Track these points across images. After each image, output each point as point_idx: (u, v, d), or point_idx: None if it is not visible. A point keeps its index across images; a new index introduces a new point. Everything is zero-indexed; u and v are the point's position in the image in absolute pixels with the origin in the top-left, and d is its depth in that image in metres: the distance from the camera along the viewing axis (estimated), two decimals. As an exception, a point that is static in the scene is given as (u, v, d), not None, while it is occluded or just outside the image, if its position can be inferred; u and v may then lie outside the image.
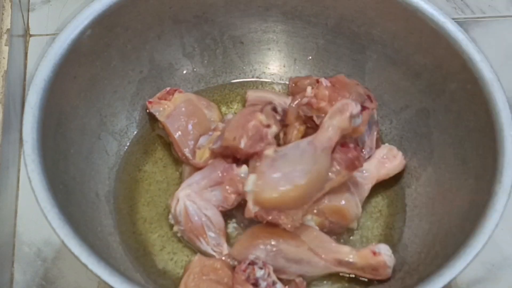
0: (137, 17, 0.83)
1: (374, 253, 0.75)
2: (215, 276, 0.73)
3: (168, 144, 0.85)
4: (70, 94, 0.78)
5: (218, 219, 0.77)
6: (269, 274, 0.72)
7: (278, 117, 0.81)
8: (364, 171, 0.80)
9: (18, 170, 0.85)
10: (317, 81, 0.80)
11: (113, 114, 0.84)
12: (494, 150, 0.73)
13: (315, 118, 0.78)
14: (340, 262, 0.75)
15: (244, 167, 0.77)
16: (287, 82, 0.90)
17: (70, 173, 0.76)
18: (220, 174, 0.78)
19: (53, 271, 0.79)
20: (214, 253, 0.76)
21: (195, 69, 0.90)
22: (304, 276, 0.75)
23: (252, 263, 0.72)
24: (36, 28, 0.98)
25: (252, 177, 0.73)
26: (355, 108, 0.75)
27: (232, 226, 0.79)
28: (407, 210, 0.82)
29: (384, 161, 0.82)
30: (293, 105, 0.81)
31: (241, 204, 0.76)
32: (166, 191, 0.82)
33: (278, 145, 0.81)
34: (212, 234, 0.77)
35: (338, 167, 0.74)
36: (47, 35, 0.97)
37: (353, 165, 0.74)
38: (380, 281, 0.76)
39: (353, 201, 0.78)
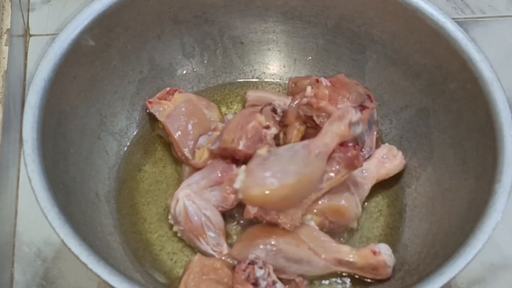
0: (137, 17, 0.83)
1: (374, 253, 0.75)
2: (215, 276, 0.73)
3: (168, 144, 0.85)
4: (70, 94, 0.78)
5: (218, 219, 0.77)
6: (269, 274, 0.72)
7: (277, 118, 0.81)
8: (364, 171, 0.80)
9: (18, 170, 0.85)
10: (317, 81, 0.80)
11: (113, 114, 0.84)
12: (494, 150, 0.73)
13: (315, 118, 0.78)
14: (340, 262, 0.75)
15: (243, 168, 0.77)
16: (287, 82, 0.90)
17: (70, 173, 0.76)
18: (219, 174, 0.78)
19: (53, 271, 0.79)
20: (214, 253, 0.76)
21: (195, 69, 0.90)
22: (304, 275, 0.75)
23: (252, 262, 0.72)
24: (36, 28, 0.98)
25: (241, 175, 0.73)
26: (355, 115, 0.74)
27: (232, 226, 0.79)
28: (407, 210, 0.82)
29: (384, 161, 0.82)
30: (293, 105, 0.81)
31: (241, 204, 0.76)
32: (166, 191, 0.82)
33: (278, 145, 0.81)
34: (212, 234, 0.77)
35: (337, 166, 0.74)
36: (47, 35, 0.97)
37: (353, 164, 0.74)
38: (380, 281, 0.76)
39: (353, 201, 0.78)
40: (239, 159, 0.78)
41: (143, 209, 0.81)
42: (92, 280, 0.78)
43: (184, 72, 0.90)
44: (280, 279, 0.73)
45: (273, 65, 0.91)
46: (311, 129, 0.79)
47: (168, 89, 0.86)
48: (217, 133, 0.82)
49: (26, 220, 0.82)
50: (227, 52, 0.90)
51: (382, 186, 0.83)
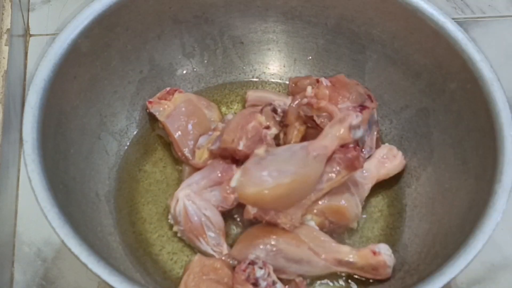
0: (137, 17, 0.83)
1: (374, 253, 0.75)
2: (215, 276, 0.73)
3: (168, 144, 0.85)
4: (70, 94, 0.78)
5: (218, 219, 0.77)
6: (269, 274, 0.72)
7: (277, 118, 0.81)
8: (364, 171, 0.79)
9: (18, 170, 0.85)
10: (317, 81, 0.80)
11: (113, 114, 0.84)
12: (494, 150, 0.73)
13: (315, 118, 0.78)
14: (340, 262, 0.75)
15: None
16: (287, 82, 0.90)
17: (70, 173, 0.76)
18: (219, 174, 0.79)
19: (53, 271, 0.79)
20: (214, 253, 0.76)
21: (195, 69, 0.90)
22: (304, 275, 0.75)
23: (252, 262, 0.72)
24: (36, 28, 0.98)
25: (237, 174, 0.73)
26: (355, 119, 0.74)
27: (232, 226, 0.79)
28: (407, 210, 0.82)
29: (384, 161, 0.82)
30: (293, 105, 0.81)
31: (241, 204, 0.76)
32: (166, 191, 0.82)
33: (278, 145, 0.81)
34: (212, 234, 0.77)
35: (338, 167, 0.74)
36: (47, 35, 0.97)
37: (353, 165, 0.74)
38: (380, 281, 0.76)
39: (353, 201, 0.78)
40: (239, 159, 0.78)
41: (143, 209, 0.81)
42: (92, 280, 0.78)
43: (184, 72, 0.90)
44: (280, 279, 0.73)
45: (273, 65, 0.91)
46: (312, 129, 0.79)
47: (168, 89, 0.86)
48: (217, 133, 0.82)
49: (26, 220, 0.82)
50: (227, 52, 0.90)
51: (382, 186, 0.83)
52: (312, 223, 0.77)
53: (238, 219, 0.79)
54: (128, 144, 0.85)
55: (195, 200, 0.77)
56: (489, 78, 0.76)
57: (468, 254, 0.67)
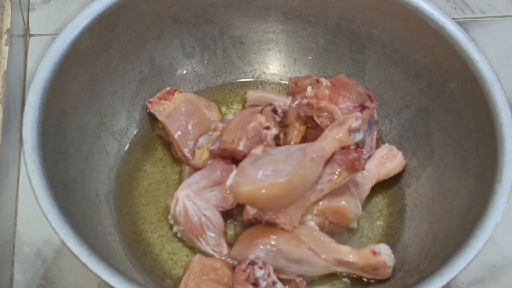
0: (137, 17, 0.83)
1: (374, 253, 0.75)
2: (215, 276, 0.73)
3: (168, 144, 0.85)
4: (70, 94, 0.78)
5: (218, 219, 0.77)
6: (269, 274, 0.72)
7: (278, 119, 0.81)
8: (364, 171, 0.79)
9: (18, 170, 0.85)
10: (317, 81, 0.80)
11: (113, 114, 0.84)
12: (494, 150, 0.73)
13: (315, 118, 0.78)
14: (340, 262, 0.75)
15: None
16: (287, 82, 0.90)
17: (70, 173, 0.76)
18: (219, 174, 0.79)
19: (53, 271, 0.79)
20: (214, 253, 0.76)
21: (195, 69, 0.90)
22: (304, 276, 0.75)
23: (252, 263, 0.72)
24: (36, 28, 0.98)
25: (233, 173, 0.73)
26: (355, 122, 0.74)
27: (232, 226, 0.79)
28: (407, 210, 0.82)
29: (384, 161, 0.82)
30: (294, 106, 0.81)
31: (241, 204, 0.76)
32: (166, 191, 0.82)
33: (278, 145, 0.81)
34: (212, 234, 0.77)
35: (339, 169, 0.74)
36: (47, 35, 0.97)
37: (354, 166, 0.74)
38: (380, 281, 0.76)
39: (353, 201, 0.78)
40: (239, 160, 0.78)
41: (143, 209, 0.81)
42: (92, 280, 0.78)
43: (184, 72, 0.90)
44: (280, 279, 0.73)
45: (273, 65, 0.91)
46: (312, 129, 0.79)
47: (168, 89, 0.86)
48: (217, 133, 0.82)
49: (26, 220, 0.82)
50: (227, 52, 0.90)
51: (382, 186, 0.83)
52: (312, 223, 0.77)
53: (238, 219, 0.79)
54: (128, 144, 0.85)
55: (195, 200, 0.77)
56: (489, 78, 0.76)
57: (468, 254, 0.67)
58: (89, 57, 0.80)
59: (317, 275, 0.76)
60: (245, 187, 0.72)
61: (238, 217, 0.79)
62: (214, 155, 0.80)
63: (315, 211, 0.76)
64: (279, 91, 0.90)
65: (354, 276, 0.76)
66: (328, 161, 0.74)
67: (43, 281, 0.79)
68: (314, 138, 0.76)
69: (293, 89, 0.87)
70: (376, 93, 0.83)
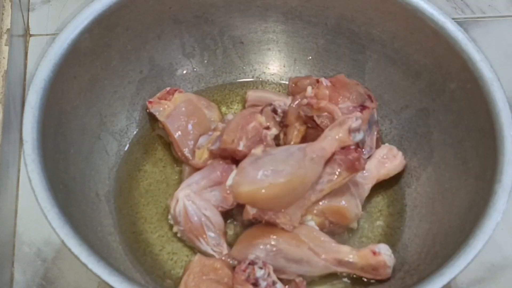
0: (137, 17, 0.83)
1: (374, 253, 0.75)
2: (215, 276, 0.73)
3: (168, 144, 0.85)
4: (70, 94, 0.78)
5: (218, 219, 0.77)
6: (269, 274, 0.72)
7: (278, 119, 0.81)
8: (364, 171, 0.79)
9: (18, 170, 0.85)
10: (317, 81, 0.80)
11: (113, 114, 0.84)
12: (494, 150, 0.73)
13: (315, 118, 0.78)
14: (340, 262, 0.75)
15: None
16: (287, 82, 0.90)
17: (70, 173, 0.76)
18: (219, 174, 0.79)
19: (53, 271, 0.79)
20: (214, 253, 0.76)
21: (195, 69, 0.90)
22: (304, 276, 0.75)
23: (252, 263, 0.72)
24: (36, 28, 0.98)
25: (233, 173, 0.73)
26: (355, 122, 0.74)
27: (232, 226, 0.79)
28: (407, 210, 0.82)
29: (384, 161, 0.82)
30: (294, 106, 0.81)
31: (241, 204, 0.76)
32: (166, 191, 0.82)
33: (278, 145, 0.81)
34: (212, 234, 0.77)
35: (339, 169, 0.74)
36: (47, 35, 0.97)
37: (354, 166, 0.74)
38: (380, 281, 0.76)
39: (353, 201, 0.78)
40: (239, 160, 0.78)
41: (143, 209, 0.81)
42: (92, 280, 0.78)
43: (184, 72, 0.90)
44: (280, 279, 0.73)
45: (273, 65, 0.91)
46: (312, 129, 0.79)
47: (168, 89, 0.86)
48: (217, 133, 0.82)
49: (26, 220, 0.82)
50: (227, 52, 0.90)
51: (382, 186, 0.83)
52: (312, 223, 0.77)
53: (238, 219, 0.79)
54: (128, 144, 0.85)
55: (195, 200, 0.77)
56: (489, 78, 0.76)
57: (468, 254, 0.67)
58: (89, 57, 0.80)
59: (317, 275, 0.76)
60: (245, 187, 0.72)
61: (238, 217, 0.79)
62: (214, 155, 0.80)
63: (315, 211, 0.76)
64: (279, 91, 0.90)
65: (354, 276, 0.76)
66: (328, 161, 0.74)
67: (43, 281, 0.79)
68: (314, 138, 0.76)
69: (293, 89, 0.87)
70: (376, 93, 0.83)
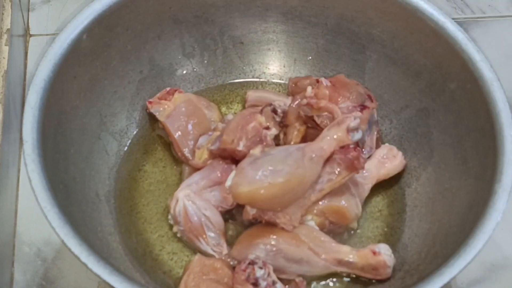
0: (137, 17, 0.83)
1: (374, 253, 0.75)
2: (215, 276, 0.73)
3: (168, 144, 0.85)
4: (70, 94, 0.78)
5: (218, 219, 0.77)
6: (269, 274, 0.72)
7: (277, 119, 0.81)
8: (364, 171, 0.79)
9: (18, 170, 0.85)
10: (317, 81, 0.80)
11: (113, 114, 0.84)
12: (494, 150, 0.73)
13: (315, 118, 0.78)
14: (340, 262, 0.75)
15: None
16: (287, 82, 0.90)
17: (70, 173, 0.76)
18: (219, 175, 0.79)
19: (53, 271, 0.79)
20: (214, 253, 0.76)
21: (195, 69, 0.90)
22: (304, 275, 0.75)
23: (252, 262, 0.72)
24: (36, 28, 0.98)
25: (232, 173, 0.73)
26: (354, 121, 0.74)
27: (232, 226, 0.79)
28: (407, 210, 0.82)
29: (384, 161, 0.82)
30: (293, 106, 0.81)
31: (241, 204, 0.76)
32: (166, 191, 0.82)
33: (278, 145, 0.81)
34: (212, 234, 0.77)
35: (338, 168, 0.74)
36: (47, 35, 0.97)
37: (353, 165, 0.74)
38: (380, 281, 0.76)
39: (353, 201, 0.78)
40: (239, 160, 0.78)
41: (143, 209, 0.81)
42: (92, 280, 0.78)
43: (184, 72, 0.90)
44: (280, 279, 0.73)
45: (273, 65, 0.91)
46: (312, 129, 0.79)
47: (168, 89, 0.86)
48: (217, 133, 0.82)
49: (26, 220, 0.82)
50: (227, 52, 0.90)
51: (382, 186, 0.83)
52: (312, 223, 0.77)
53: (238, 219, 0.79)
54: (128, 144, 0.85)
55: (195, 200, 0.77)
56: (489, 78, 0.76)
57: (468, 254, 0.67)
58: (89, 57, 0.80)
59: (317, 275, 0.76)
60: (244, 187, 0.72)
61: (238, 217, 0.79)
62: (214, 155, 0.80)
63: (315, 211, 0.76)
64: (279, 91, 0.90)
65: (354, 276, 0.76)
66: (328, 160, 0.74)
67: (43, 281, 0.79)
68: (314, 138, 0.76)
69: (293, 89, 0.87)
70: (376, 93, 0.83)
